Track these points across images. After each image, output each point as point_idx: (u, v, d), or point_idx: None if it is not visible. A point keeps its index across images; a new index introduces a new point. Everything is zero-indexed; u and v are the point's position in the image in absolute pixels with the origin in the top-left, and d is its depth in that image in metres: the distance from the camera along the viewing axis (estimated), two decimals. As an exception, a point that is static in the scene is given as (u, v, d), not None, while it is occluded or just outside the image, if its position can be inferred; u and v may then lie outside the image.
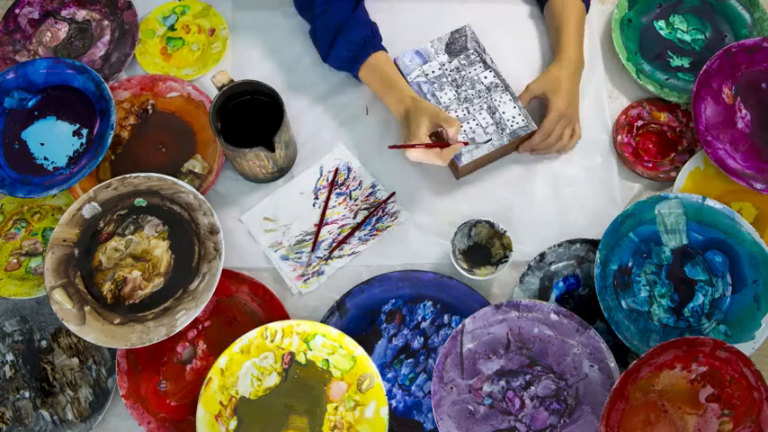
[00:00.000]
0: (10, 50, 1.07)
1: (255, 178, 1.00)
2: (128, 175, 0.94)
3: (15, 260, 0.98)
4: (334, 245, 0.97)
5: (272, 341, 0.89)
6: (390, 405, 0.91)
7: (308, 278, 0.96)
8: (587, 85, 1.06)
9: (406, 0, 1.10)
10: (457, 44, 1.01)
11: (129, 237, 0.93)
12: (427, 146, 0.89)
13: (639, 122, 1.04)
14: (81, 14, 1.10)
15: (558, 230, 0.98)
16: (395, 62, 1.00)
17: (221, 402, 0.87)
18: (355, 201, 0.99)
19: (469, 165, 0.96)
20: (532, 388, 0.88)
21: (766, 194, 0.96)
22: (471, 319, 0.89)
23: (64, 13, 1.10)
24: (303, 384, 0.88)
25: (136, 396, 0.90)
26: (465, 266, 0.92)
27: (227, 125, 0.93)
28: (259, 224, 0.99)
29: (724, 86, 1.00)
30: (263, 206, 1.00)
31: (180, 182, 0.94)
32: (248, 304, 0.95)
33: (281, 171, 1.00)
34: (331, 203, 0.99)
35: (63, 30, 1.09)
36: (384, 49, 0.99)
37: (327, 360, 0.88)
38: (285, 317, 0.93)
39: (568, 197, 1.01)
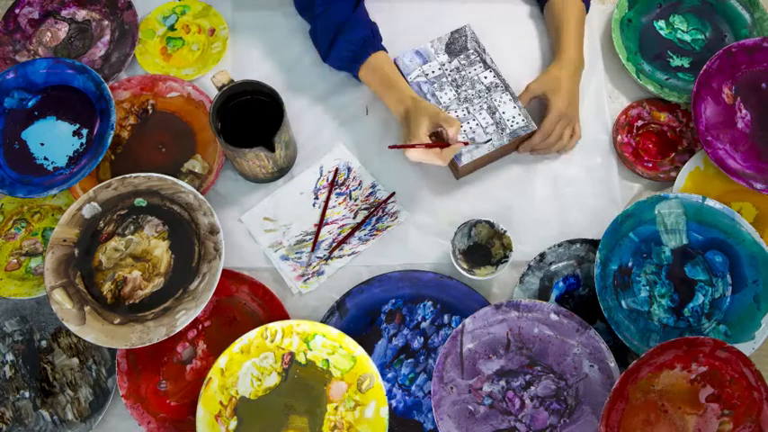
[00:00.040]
0: (10, 50, 1.07)
1: (255, 178, 1.00)
2: (128, 175, 0.94)
3: (15, 260, 0.98)
4: (334, 245, 0.97)
5: (272, 341, 0.89)
6: (390, 405, 0.91)
7: (308, 278, 0.96)
8: (587, 85, 1.06)
9: (406, 0, 1.10)
10: (457, 44, 1.01)
11: (129, 237, 0.93)
12: (427, 146, 0.89)
13: (639, 122, 1.04)
14: (81, 14, 1.10)
15: (558, 230, 0.98)
16: (395, 62, 1.00)
17: (221, 402, 0.87)
18: (355, 201, 0.99)
19: (469, 165, 0.96)
20: (532, 388, 0.88)
21: (766, 194, 0.96)
22: (471, 319, 0.89)
23: (64, 13, 1.10)
24: (303, 384, 0.88)
25: (136, 396, 0.90)
26: (465, 266, 0.92)
27: (227, 125, 0.93)
28: (259, 224, 0.99)
29: (724, 86, 1.00)
30: (263, 206, 1.00)
31: (180, 182, 0.94)
32: (248, 304, 0.95)
33: (281, 171, 1.00)
34: (331, 203, 0.99)
35: (63, 30, 1.09)
36: (384, 49, 0.99)
37: (327, 360, 0.88)
38: (285, 317, 0.93)
39: (568, 197, 1.01)
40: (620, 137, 1.03)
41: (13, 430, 0.91)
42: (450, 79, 0.99)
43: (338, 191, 1.00)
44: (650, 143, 1.03)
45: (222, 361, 0.87)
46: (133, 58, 1.07)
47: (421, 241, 0.98)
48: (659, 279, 0.93)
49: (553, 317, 0.88)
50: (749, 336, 0.90)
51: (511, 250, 0.91)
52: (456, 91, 0.99)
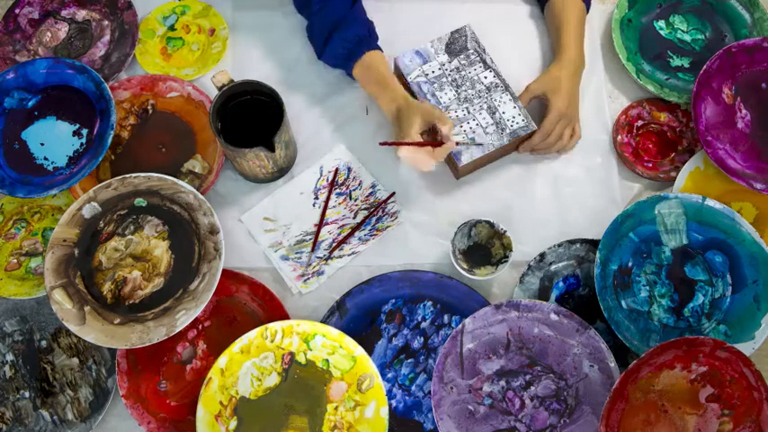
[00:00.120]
0: (10, 50, 1.07)
1: (255, 178, 1.00)
2: (128, 175, 0.94)
3: (15, 260, 0.98)
4: (334, 245, 0.97)
5: (272, 341, 0.89)
6: (390, 405, 0.91)
7: (308, 278, 0.96)
8: (587, 85, 1.06)
9: (406, 0, 1.10)
10: (457, 44, 1.01)
11: (129, 237, 0.93)
12: (418, 144, 0.89)
13: (639, 122, 1.04)
14: (81, 14, 1.10)
15: (558, 230, 0.98)
16: (395, 62, 1.00)
17: (221, 402, 0.87)
18: (355, 201, 0.99)
19: (469, 165, 0.96)
20: (532, 388, 0.88)
21: (766, 194, 0.96)
22: (471, 319, 0.88)
23: (64, 13, 1.10)
24: (303, 384, 0.88)
25: (136, 396, 0.90)
26: (465, 266, 0.92)
27: (227, 125, 0.93)
28: (259, 224, 0.99)
29: (724, 86, 1.00)
30: (263, 206, 1.00)
31: (180, 182, 0.94)
32: (248, 304, 0.95)
33: (281, 171, 1.00)
34: (331, 203, 0.99)
35: (63, 30, 1.09)
36: (379, 48, 0.99)
37: (327, 360, 0.88)
38: (285, 317, 0.93)
39: (568, 197, 1.01)
40: (620, 137, 1.03)
41: (13, 430, 0.91)
42: (450, 79, 0.99)
43: (338, 191, 1.00)
44: (650, 143, 1.03)
45: (222, 361, 0.87)
46: (133, 58, 1.07)
47: (421, 241, 0.98)
48: (659, 279, 0.93)
49: (553, 317, 0.88)
50: (749, 336, 0.90)
51: (511, 250, 0.91)
52: (456, 91, 0.99)
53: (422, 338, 0.93)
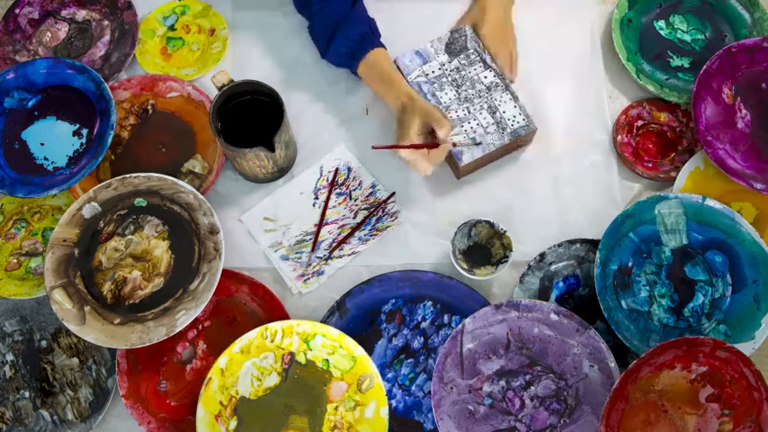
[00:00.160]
0: (10, 50, 1.07)
1: (255, 178, 1.00)
2: (128, 175, 0.94)
3: (15, 260, 0.98)
4: (334, 245, 0.97)
5: (272, 341, 0.89)
6: (390, 405, 0.91)
7: (308, 278, 0.96)
8: (587, 84, 1.06)
9: (406, 0, 1.10)
10: (457, 44, 1.01)
11: (129, 237, 0.93)
12: (413, 146, 0.89)
13: (639, 122, 1.04)
14: (81, 14, 1.10)
15: (558, 230, 0.98)
16: (395, 62, 1.00)
17: (221, 402, 0.87)
18: (355, 201, 0.99)
19: (470, 164, 0.96)
20: (532, 388, 0.88)
21: (766, 194, 0.96)
22: (471, 319, 0.88)
23: (64, 13, 1.10)
24: (303, 384, 0.88)
25: (136, 396, 0.90)
26: (465, 266, 0.92)
27: (227, 125, 0.93)
28: (259, 224, 0.99)
29: (724, 86, 1.00)
30: (263, 206, 1.00)
31: (180, 182, 0.94)
32: (248, 304, 0.95)
33: (281, 171, 1.00)
34: (331, 203, 0.99)
35: (63, 30, 1.09)
36: (383, 45, 0.99)
37: (327, 360, 0.88)
38: (285, 317, 0.93)
39: (568, 197, 1.01)
40: (620, 137, 1.03)
41: (13, 430, 0.91)
42: (450, 79, 0.99)
43: (338, 191, 1.00)
44: (650, 143, 1.03)
45: (222, 361, 0.87)
46: (133, 58, 1.07)
47: (421, 241, 0.98)
48: (659, 279, 0.93)
49: (553, 317, 0.88)
50: (749, 336, 0.90)
51: (511, 250, 0.91)
52: (456, 91, 0.99)
53: (422, 338, 0.93)
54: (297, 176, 1.01)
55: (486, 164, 1.01)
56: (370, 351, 0.92)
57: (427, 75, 1.00)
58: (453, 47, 1.01)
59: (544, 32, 1.09)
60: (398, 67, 1.00)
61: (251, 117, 0.95)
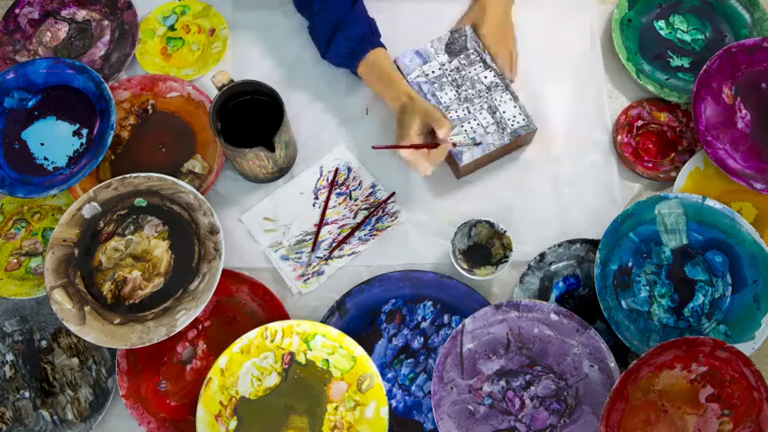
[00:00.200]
0: (10, 50, 1.07)
1: (255, 178, 1.00)
2: (128, 175, 0.94)
3: (15, 260, 0.98)
4: (334, 245, 0.97)
5: (272, 341, 0.89)
6: (390, 405, 0.91)
7: (308, 278, 0.96)
8: (587, 84, 1.06)
9: (406, 0, 1.10)
10: (457, 44, 1.01)
11: (129, 237, 0.93)
12: (413, 146, 0.89)
13: (639, 122, 1.04)
14: (81, 14, 1.10)
15: (558, 230, 0.98)
16: (395, 62, 1.00)
17: (221, 402, 0.87)
18: (355, 201, 0.99)
19: (471, 164, 0.96)
20: (532, 388, 0.88)
21: (766, 194, 0.96)
22: (471, 319, 0.88)
23: (64, 13, 1.10)
24: (303, 384, 0.88)
25: (136, 396, 0.90)
26: (465, 266, 0.92)
27: (227, 125, 0.93)
28: (259, 224, 0.99)
29: (724, 86, 1.00)
30: (263, 206, 1.00)
31: (180, 182, 0.94)
32: (248, 304, 0.95)
33: (281, 171, 1.00)
34: (331, 203, 0.99)
35: (63, 30, 1.09)
36: (383, 45, 0.99)
37: (327, 360, 0.88)
38: (285, 317, 0.93)
39: (568, 197, 1.01)
40: (620, 137, 1.03)
41: (13, 430, 0.91)
42: (450, 79, 0.99)
43: (338, 191, 1.00)
44: (650, 143, 1.03)
45: (222, 361, 0.87)
46: (133, 58, 1.07)
47: (421, 241, 0.98)
48: (659, 279, 0.93)
49: (553, 317, 0.88)
50: (749, 336, 0.90)
51: (511, 250, 0.91)
52: (456, 91, 0.99)
53: (422, 338, 0.93)
54: (297, 176, 1.01)
55: (485, 164, 1.01)
56: (370, 351, 0.92)
57: (427, 75, 1.00)
58: (453, 47, 1.01)
59: (544, 32, 1.09)
60: (398, 67, 1.00)
61: (251, 117, 0.95)
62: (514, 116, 0.97)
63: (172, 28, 1.10)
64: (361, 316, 0.94)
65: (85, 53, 1.08)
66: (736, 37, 1.07)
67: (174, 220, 0.94)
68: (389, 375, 0.92)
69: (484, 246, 0.96)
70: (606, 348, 0.87)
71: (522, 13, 1.09)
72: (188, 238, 0.93)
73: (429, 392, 0.89)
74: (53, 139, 1.00)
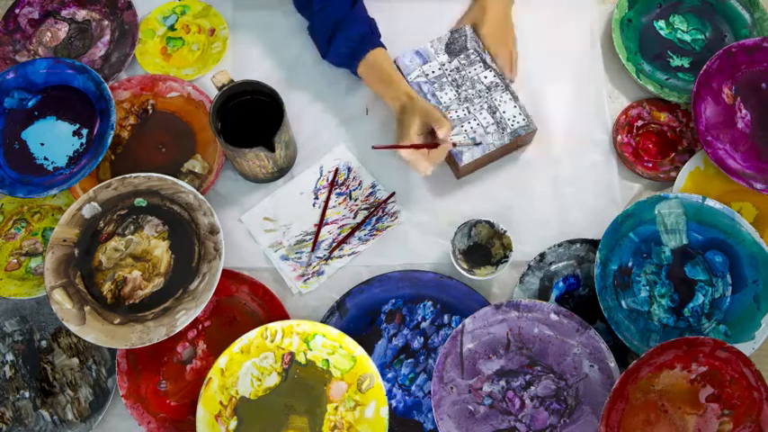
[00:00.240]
0: (10, 50, 1.07)
1: (255, 178, 1.00)
2: (128, 175, 0.94)
3: (15, 260, 0.98)
4: (334, 245, 0.97)
5: (272, 341, 0.89)
6: (390, 405, 0.91)
7: (308, 278, 0.96)
8: (587, 84, 1.06)
9: (406, 0, 1.10)
10: (457, 44, 1.01)
11: (129, 237, 0.93)
12: (413, 146, 0.89)
13: (639, 122, 1.04)
14: (81, 14, 1.10)
15: (558, 230, 0.98)
16: (395, 62, 1.00)
17: (221, 402, 0.87)
18: (355, 201, 1.00)
19: (470, 164, 0.96)
20: (532, 388, 0.88)
21: (766, 194, 0.96)
22: (471, 319, 0.88)
23: (64, 13, 1.10)
24: (303, 384, 0.88)
25: (136, 396, 0.90)
26: (465, 266, 0.92)
27: (227, 125, 0.93)
28: (259, 224, 0.99)
29: (724, 86, 1.00)
30: (263, 206, 1.00)
31: (180, 182, 0.94)
32: (248, 304, 0.95)
33: (281, 171, 1.00)
34: (331, 203, 0.99)
35: (63, 30, 1.09)
36: (383, 45, 0.99)
37: (327, 360, 0.88)
38: (285, 317, 0.93)
39: (568, 197, 1.01)
40: (620, 137, 1.03)
41: (13, 430, 0.91)
42: (450, 79, 0.99)
43: (338, 191, 1.00)
44: (650, 143, 1.03)
45: (222, 361, 0.87)
46: (133, 58, 1.07)
47: (421, 241, 0.98)
48: (659, 279, 0.93)
49: (553, 317, 0.88)
50: (749, 336, 0.90)
51: (511, 250, 0.91)
52: (456, 91, 0.99)
53: (422, 338, 0.93)
54: (297, 176, 1.01)
55: (486, 164, 1.01)
56: (370, 351, 0.92)
57: (427, 75, 1.00)
58: (453, 47, 1.01)
59: (544, 32, 1.09)
60: (398, 67, 1.00)
61: (251, 117, 0.95)
62: (514, 116, 0.97)
63: (172, 28, 1.10)
64: (361, 316, 0.94)
65: (85, 53, 1.08)
66: (736, 37, 1.07)
67: (174, 220, 0.94)
68: (389, 375, 0.92)
69: (484, 246, 0.96)
70: (606, 348, 0.87)
71: (522, 13, 1.09)
72: (188, 238, 0.93)
73: (429, 392, 0.89)
74: (53, 139, 1.00)
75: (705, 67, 0.98)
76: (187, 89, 1.04)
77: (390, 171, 1.01)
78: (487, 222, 0.91)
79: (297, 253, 0.97)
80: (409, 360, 0.92)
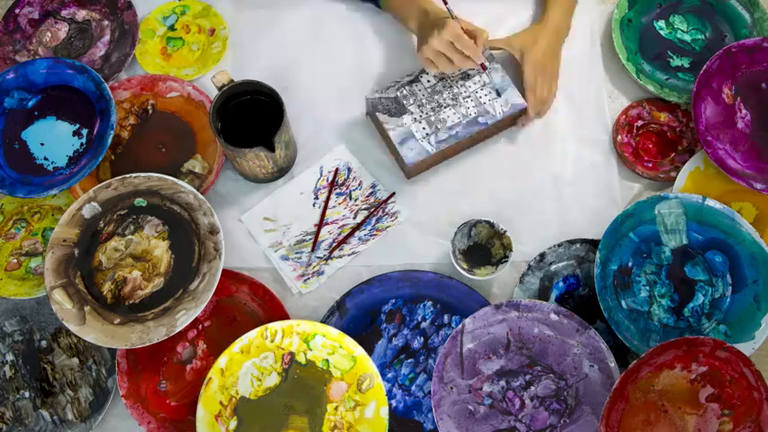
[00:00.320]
0: (10, 50, 1.07)
1: (255, 178, 1.00)
2: (128, 175, 0.94)
3: (15, 260, 0.98)
4: (334, 245, 0.97)
5: (272, 341, 0.89)
6: (390, 405, 0.91)
7: (308, 278, 0.96)
8: (587, 84, 1.06)
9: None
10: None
11: (129, 237, 0.93)
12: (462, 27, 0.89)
13: (639, 122, 1.04)
14: (81, 14, 1.10)
15: (558, 230, 0.98)
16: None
17: (221, 402, 0.87)
18: (355, 201, 1.00)
19: (420, 163, 0.95)
20: (532, 388, 0.88)
21: (766, 194, 0.96)
22: (471, 319, 0.88)
23: (64, 13, 1.10)
24: (303, 384, 0.88)
25: (136, 396, 0.90)
26: (465, 266, 0.92)
27: (227, 125, 0.93)
28: (259, 224, 0.99)
29: (724, 86, 1.00)
30: (263, 206, 1.00)
31: (180, 182, 0.94)
32: (248, 304, 0.95)
33: (281, 171, 1.00)
34: (331, 203, 0.99)
35: (63, 30, 1.09)
36: None
37: (327, 360, 0.88)
38: (285, 317, 0.93)
39: (568, 197, 1.01)
40: (620, 137, 1.03)
41: (13, 430, 0.91)
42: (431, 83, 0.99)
43: (338, 191, 1.00)
44: (650, 143, 1.03)
45: (222, 361, 0.87)
46: (133, 58, 1.07)
47: (421, 241, 0.98)
48: (659, 279, 0.93)
49: (553, 317, 0.88)
50: (749, 336, 0.90)
51: (511, 250, 0.91)
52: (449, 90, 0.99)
53: (422, 338, 0.93)
54: (297, 176, 1.01)
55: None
56: (370, 351, 0.92)
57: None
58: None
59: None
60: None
61: (251, 117, 0.95)
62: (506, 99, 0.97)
63: (172, 28, 1.10)
64: (361, 316, 0.94)
65: (85, 53, 1.08)
66: (736, 37, 1.07)
67: (174, 220, 0.94)
68: (389, 375, 0.92)
69: (484, 246, 0.96)
70: (606, 348, 0.87)
71: (522, 13, 1.09)
72: (188, 238, 0.93)
73: (429, 392, 0.89)
74: (53, 139, 1.00)
75: (705, 67, 0.98)
76: (187, 89, 1.04)
77: (390, 171, 1.01)
78: (487, 222, 0.91)
79: (297, 253, 0.97)
80: (409, 360, 0.92)
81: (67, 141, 0.99)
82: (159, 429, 0.89)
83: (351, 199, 1.00)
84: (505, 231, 0.91)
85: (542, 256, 0.95)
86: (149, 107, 1.04)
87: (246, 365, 0.88)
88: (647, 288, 0.93)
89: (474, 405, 0.88)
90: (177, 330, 0.87)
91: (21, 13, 1.08)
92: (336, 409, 0.87)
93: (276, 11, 1.09)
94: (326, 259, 0.97)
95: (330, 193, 1.00)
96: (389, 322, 0.94)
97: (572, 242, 0.95)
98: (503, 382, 0.88)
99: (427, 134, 0.95)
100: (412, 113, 0.96)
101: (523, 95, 0.98)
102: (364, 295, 0.94)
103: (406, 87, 0.98)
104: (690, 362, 0.83)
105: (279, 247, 0.97)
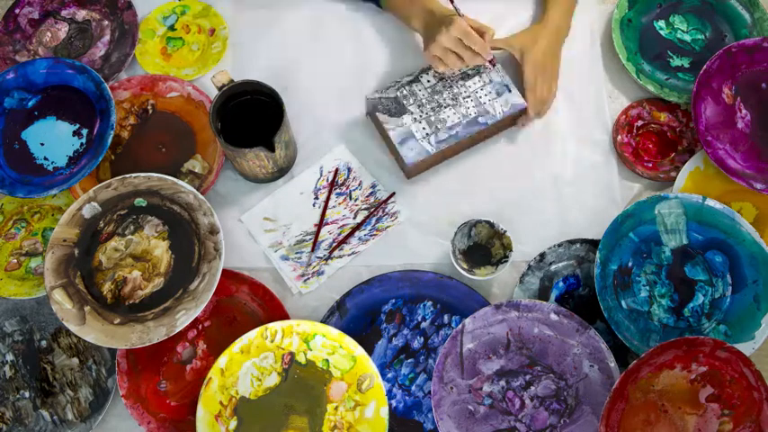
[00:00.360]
0: (10, 50, 1.07)
1: (255, 178, 1.00)
2: (128, 175, 0.94)
3: (15, 260, 0.98)
4: (334, 245, 0.97)
5: (272, 341, 0.89)
6: (390, 405, 0.91)
7: (308, 278, 0.96)
8: (587, 84, 1.06)
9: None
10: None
11: (129, 237, 0.93)
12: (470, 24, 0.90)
13: (639, 122, 1.04)
14: (81, 14, 1.10)
15: (558, 230, 0.98)
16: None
17: (221, 402, 0.87)
18: (355, 201, 1.00)
19: (420, 163, 0.95)
20: (532, 388, 0.88)
21: (766, 194, 0.96)
22: (471, 319, 0.88)
23: (64, 13, 1.10)
24: (303, 384, 0.88)
25: (136, 396, 0.90)
26: (465, 266, 0.92)
27: (227, 125, 0.93)
28: (259, 224, 0.99)
29: (724, 86, 1.00)
30: (263, 206, 1.00)
31: (180, 182, 0.94)
32: (248, 304, 0.95)
33: (281, 171, 1.00)
34: (331, 203, 0.99)
35: (63, 30, 1.09)
36: None
37: (327, 360, 0.88)
38: (285, 317, 0.93)
39: (568, 197, 1.01)
40: (620, 137, 1.03)
41: (13, 430, 0.91)
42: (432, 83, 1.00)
43: (338, 191, 1.00)
44: (650, 143, 1.03)
45: (222, 361, 0.87)
46: (133, 58, 1.07)
47: (421, 241, 0.98)
48: (659, 279, 0.93)
49: (553, 317, 0.88)
50: (749, 336, 0.90)
51: (511, 250, 0.91)
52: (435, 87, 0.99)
53: (422, 338, 0.93)
54: (297, 176, 1.01)
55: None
56: (370, 351, 0.92)
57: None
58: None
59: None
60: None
61: (251, 117, 0.95)
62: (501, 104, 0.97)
63: (172, 28, 1.10)
64: (361, 316, 0.94)
65: (85, 53, 1.08)
66: (736, 37, 1.07)
67: (174, 220, 0.94)
68: (389, 375, 0.92)
69: (484, 246, 0.96)
70: (606, 348, 0.87)
71: (522, 13, 1.09)
72: (188, 238, 0.93)
73: (429, 392, 0.89)
74: (53, 139, 1.00)
75: (705, 67, 0.98)
76: (187, 89, 1.04)
77: (390, 171, 1.01)
78: (487, 222, 0.91)
79: (297, 253, 0.97)
80: (409, 360, 0.92)
81: (67, 141, 0.99)
82: (159, 429, 0.89)
83: (351, 199, 1.00)
84: (505, 231, 0.91)
85: (542, 256, 0.95)
86: (149, 107, 1.04)
87: (246, 365, 0.88)
88: (647, 288, 0.93)
89: (474, 405, 0.88)
90: (177, 330, 0.87)
91: (21, 13, 1.08)
92: (336, 409, 0.87)
93: (276, 11, 1.09)
94: (326, 259, 0.97)
95: (330, 193, 1.00)
96: (389, 322, 0.94)
97: (572, 242, 0.95)
98: (503, 382, 0.88)
99: (427, 134, 0.95)
100: (412, 113, 0.96)
101: (523, 95, 0.98)
102: (364, 295, 0.94)
103: (406, 87, 0.98)
104: (690, 362, 0.83)
105: (279, 247, 0.97)
